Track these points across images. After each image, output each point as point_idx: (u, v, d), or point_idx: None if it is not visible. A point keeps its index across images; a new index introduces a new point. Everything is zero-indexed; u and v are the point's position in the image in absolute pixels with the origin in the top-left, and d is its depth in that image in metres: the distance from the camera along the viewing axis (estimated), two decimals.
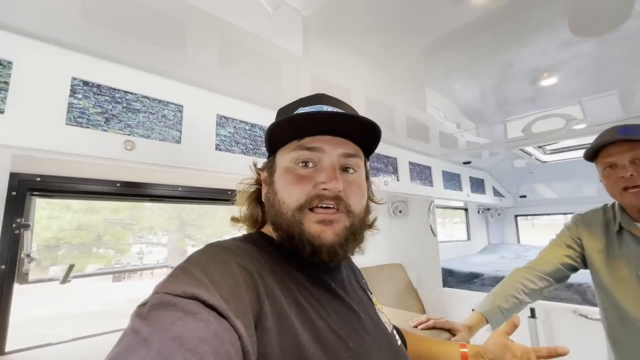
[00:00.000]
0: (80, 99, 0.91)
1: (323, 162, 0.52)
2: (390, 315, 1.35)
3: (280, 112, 0.60)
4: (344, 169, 0.53)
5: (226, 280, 0.40)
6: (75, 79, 0.90)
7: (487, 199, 2.92)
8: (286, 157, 0.54)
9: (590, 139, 2.11)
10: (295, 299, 0.46)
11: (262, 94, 1.25)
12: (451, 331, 1.07)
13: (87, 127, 0.91)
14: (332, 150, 0.52)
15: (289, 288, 0.47)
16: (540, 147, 2.33)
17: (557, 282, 1.16)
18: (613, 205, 1.08)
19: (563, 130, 1.72)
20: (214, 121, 1.18)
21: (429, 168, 2.32)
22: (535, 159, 2.36)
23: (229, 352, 0.34)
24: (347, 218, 0.51)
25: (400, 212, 2.49)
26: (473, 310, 1.16)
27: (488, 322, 1.12)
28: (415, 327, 1.08)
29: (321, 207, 0.50)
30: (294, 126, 0.51)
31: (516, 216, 3.47)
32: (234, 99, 1.25)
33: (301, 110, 0.54)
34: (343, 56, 1.04)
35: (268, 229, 0.56)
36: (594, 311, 1.61)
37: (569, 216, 1.18)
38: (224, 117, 1.22)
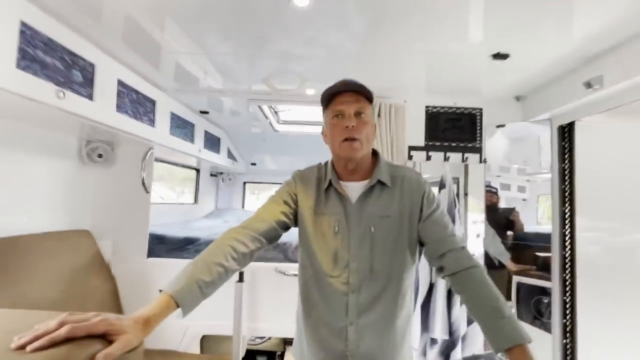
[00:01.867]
0: None
1: None
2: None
3: None
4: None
5: None
6: None
7: (221, 159, 2.73)
8: None
9: (313, 111, 2.36)
10: None
11: None
12: (107, 336, 0.60)
13: None
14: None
15: None
16: (276, 112, 2.37)
17: (268, 243, 1.00)
18: (326, 164, 1.06)
19: (297, 91, 1.71)
20: None
21: (153, 102, 1.73)
22: (270, 124, 2.38)
23: None
24: None
25: (100, 156, 1.72)
26: (161, 291, 0.77)
27: (179, 306, 0.77)
28: (21, 348, 0.52)
29: None
30: None
31: (245, 183, 3.58)
32: None
33: None
34: None
35: None
36: (291, 267, 1.73)
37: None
38: None
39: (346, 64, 1.52)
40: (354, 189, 0.98)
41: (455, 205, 1.74)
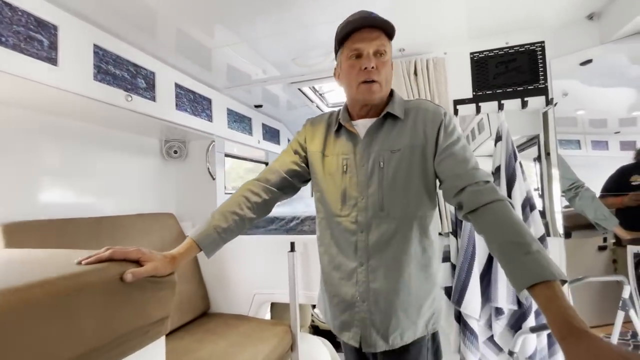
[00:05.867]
0: None
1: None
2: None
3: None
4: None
5: None
6: None
7: (281, 149, 2.93)
8: None
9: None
10: None
11: None
12: (140, 262, 0.76)
13: None
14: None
15: None
16: (322, 95, 2.44)
17: (284, 194, 1.05)
18: (339, 111, 1.03)
19: (328, 64, 1.74)
20: None
21: (209, 100, 2.00)
22: (318, 107, 2.46)
23: None
24: None
25: (176, 152, 2.07)
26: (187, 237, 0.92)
27: (201, 249, 0.90)
28: (79, 263, 0.72)
29: None
30: None
31: None
32: None
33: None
34: None
35: None
36: None
37: None
38: None
39: None
40: (364, 126, 0.94)
41: (516, 159, 1.50)
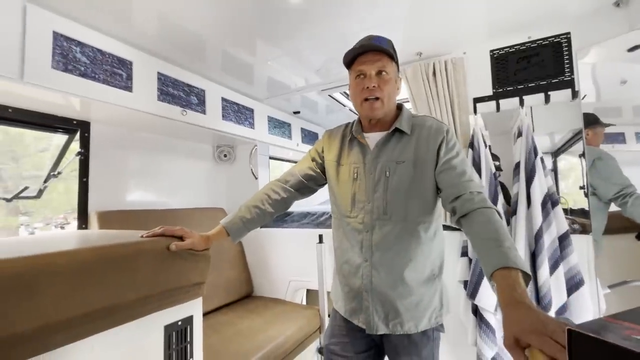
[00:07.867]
0: None
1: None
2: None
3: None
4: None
5: None
6: None
7: None
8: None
9: None
10: None
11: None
12: (183, 238, 1.03)
13: None
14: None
15: None
16: None
17: (300, 194, 1.24)
18: (354, 122, 1.17)
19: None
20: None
21: (252, 110, 2.29)
22: (351, 110, 2.61)
23: None
24: None
25: (225, 156, 2.41)
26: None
27: (229, 235, 1.14)
28: (142, 237, 1.00)
29: None
30: None
31: None
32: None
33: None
34: None
35: None
36: None
37: None
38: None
39: (397, 30, 1.53)
40: (374, 139, 1.07)
41: (536, 155, 1.47)
